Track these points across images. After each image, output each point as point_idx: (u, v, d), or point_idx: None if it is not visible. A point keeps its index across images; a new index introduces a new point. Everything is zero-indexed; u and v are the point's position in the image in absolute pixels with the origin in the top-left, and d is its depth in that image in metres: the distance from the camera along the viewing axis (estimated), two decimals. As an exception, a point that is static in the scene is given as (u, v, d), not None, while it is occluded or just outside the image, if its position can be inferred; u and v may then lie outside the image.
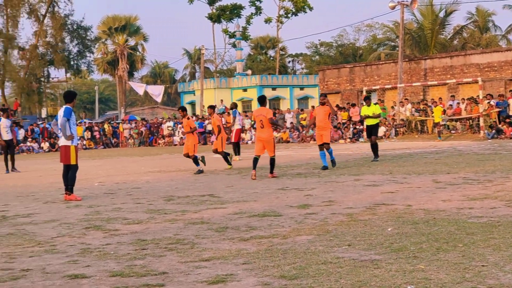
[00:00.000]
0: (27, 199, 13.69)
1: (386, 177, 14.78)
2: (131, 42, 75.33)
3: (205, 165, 19.55)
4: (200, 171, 18.76)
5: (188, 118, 19.64)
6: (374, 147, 20.39)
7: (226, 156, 20.68)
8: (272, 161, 16.54)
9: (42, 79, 65.73)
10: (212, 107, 22.60)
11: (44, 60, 62.44)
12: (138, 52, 75.97)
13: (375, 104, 21.57)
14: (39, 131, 50.20)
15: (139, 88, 63.75)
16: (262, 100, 17.22)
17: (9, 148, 23.37)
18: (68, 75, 69.86)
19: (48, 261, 6.98)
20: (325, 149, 18.15)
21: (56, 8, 62.31)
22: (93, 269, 6.53)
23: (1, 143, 23.23)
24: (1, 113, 23.91)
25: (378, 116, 21.21)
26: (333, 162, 18.27)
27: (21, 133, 47.59)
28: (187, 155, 19.22)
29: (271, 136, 16.71)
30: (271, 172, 16.52)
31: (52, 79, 69.39)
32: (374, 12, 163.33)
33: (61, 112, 13.27)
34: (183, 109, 20.13)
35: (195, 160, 19.06)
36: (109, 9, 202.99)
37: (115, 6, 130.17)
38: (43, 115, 65.14)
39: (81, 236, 8.54)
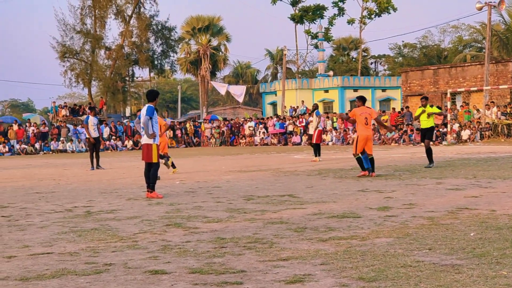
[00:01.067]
0: (110, 195, 14.00)
1: (470, 181, 14.45)
2: (214, 42, 76.05)
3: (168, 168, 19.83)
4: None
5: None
6: (428, 152, 19.23)
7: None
8: (373, 160, 16.75)
9: (127, 78, 67.18)
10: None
11: (129, 59, 63.79)
12: (220, 52, 76.64)
13: (431, 106, 20.31)
14: (122, 129, 51.35)
15: (221, 88, 64.36)
16: (364, 99, 17.44)
17: (95, 146, 23.94)
18: (152, 74, 71.16)
19: (130, 256, 7.12)
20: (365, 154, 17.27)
21: (142, 9, 63.63)
22: (173, 266, 6.63)
23: (91, 140, 23.77)
24: (89, 111, 24.53)
25: (440, 114, 20.59)
26: (368, 169, 16.98)
27: (106, 131, 48.80)
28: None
29: (372, 135, 17.02)
30: (373, 171, 16.69)
31: (137, 78, 70.92)
32: (460, 13, 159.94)
33: (143, 111, 13.51)
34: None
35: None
36: (193, 10, 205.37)
37: (198, 7, 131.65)
38: (127, 113, 66.61)
39: (162, 233, 8.68)
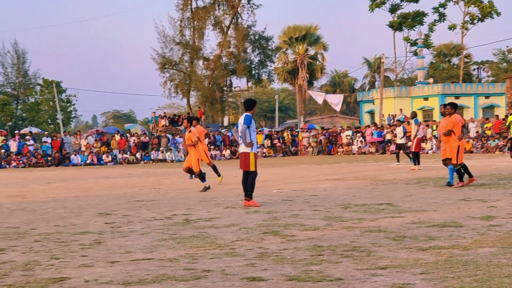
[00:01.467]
0: (209, 204, 14.16)
1: None
2: (311, 51, 76.00)
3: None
4: (207, 188, 17.65)
5: (190, 131, 18.37)
6: None
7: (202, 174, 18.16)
8: (465, 167, 16.49)
9: (225, 88, 68.02)
10: (191, 119, 19.65)
11: (227, 70, 64.61)
12: (317, 61, 76.51)
13: None
14: (221, 139, 51.99)
15: (319, 97, 64.26)
16: (456, 106, 17.14)
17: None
18: (250, 84, 71.78)
19: (228, 263, 7.17)
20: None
21: (239, 20, 64.38)
22: (270, 273, 6.63)
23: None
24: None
25: None
26: (448, 183, 16.50)
27: (205, 141, 49.51)
28: (187, 170, 18.44)
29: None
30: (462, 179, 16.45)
31: (234, 88, 71.71)
32: None
33: (241, 120, 13.60)
34: (189, 120, 19.03)
35: (201, 176, 17.98)
36: (290, 20, 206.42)
37: (296, 16, 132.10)
38: (225, 123, 67.41)
39: (259, 241, 8.70)
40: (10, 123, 63.47)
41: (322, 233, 9.20)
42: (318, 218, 10.87)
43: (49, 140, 48.14)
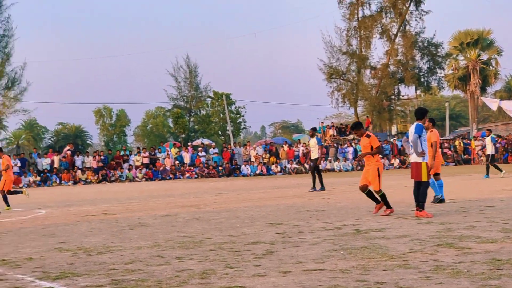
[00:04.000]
0: (378, 214, 13.96)
1: None
2: (484, 56, 73.21)
3: None
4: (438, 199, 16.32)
5: (369, 136, 14.25)
6: None
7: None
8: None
9: (393, 96, 67.03)
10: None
11: (395, 78, 63.69)
12: (491, 67, 73.55)
13: None
14: (389, 148, 51.31)
15: (492, 103, 61.77)
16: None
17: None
18: (418, 92, 70.32)
19: (401, 276, 7.01)
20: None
21: (407, 27, 63.35)
22: (446, 287, 6.41)
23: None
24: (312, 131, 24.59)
25: None
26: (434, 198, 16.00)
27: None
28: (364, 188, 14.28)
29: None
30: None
31: (402, 96, 70.46)
32: None
33: (412, 129, 13.33)
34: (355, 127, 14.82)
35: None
36: (461, 25, 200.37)
37: (467, 21, 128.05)
38: (393, 132, 66.40)
39: (433, 253, 8.45)
40: (183, 135, 66.11)
41: (500, 246, 8.79)
42: (496, 230, 10.40)
43: (216, 151, 49.74)
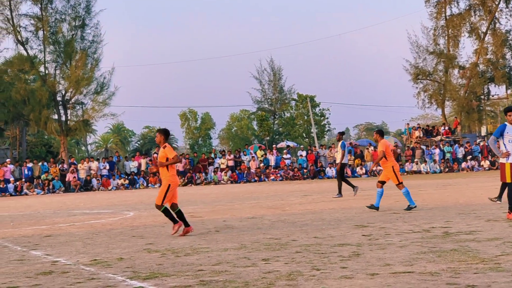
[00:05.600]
0: (468, 216, 13.65)
1: None
2: None
3: None
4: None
5: (165, 147, 12.71)
6: None
7: None
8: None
9: (482, 96, 65.43)
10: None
11: (484, 77, 62.14)
12: None
13: None
14: (478, 149, 50.10)
15: None
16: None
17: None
18: (509, 91, 68.41)
19: (493, 279, 6.82)
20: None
21: (497, 25, 61.73)
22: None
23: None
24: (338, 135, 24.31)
25: None
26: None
27: (460, 151, 48.27)
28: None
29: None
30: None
31: (492, 96, 68.68)
32: None
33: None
34: (163, 132, 12.96)
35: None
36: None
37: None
38: (483, 133, 64.79)
39: (527, 256, 8.18)
40: (268, 138, 66.40)
41: None
42: None
43: (304, 153, 49.68)
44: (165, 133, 12.85)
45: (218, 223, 14.84)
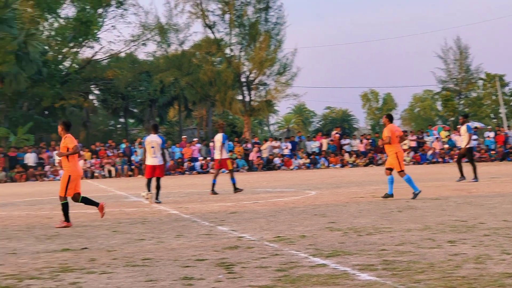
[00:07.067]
0: None
1: None
2: None
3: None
4: None
5: (66, 137, 12.78)
6: None
7: None
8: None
9: None
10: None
11: None
12: None
13: None
14: None
15: None
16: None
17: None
18: None
19: None
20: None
21: None
22: None
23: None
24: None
25: None
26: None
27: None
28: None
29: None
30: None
31: None
32: None
33: None
34: (63, 124, 13.11)
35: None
36: None
37: None
38: None
39: None
40: (452, 118, 64.36)
41: None
42: None
43: (492, 134, 47.60)
44: (65, 124, 13.17)
45: (401, 203, 14.57)
